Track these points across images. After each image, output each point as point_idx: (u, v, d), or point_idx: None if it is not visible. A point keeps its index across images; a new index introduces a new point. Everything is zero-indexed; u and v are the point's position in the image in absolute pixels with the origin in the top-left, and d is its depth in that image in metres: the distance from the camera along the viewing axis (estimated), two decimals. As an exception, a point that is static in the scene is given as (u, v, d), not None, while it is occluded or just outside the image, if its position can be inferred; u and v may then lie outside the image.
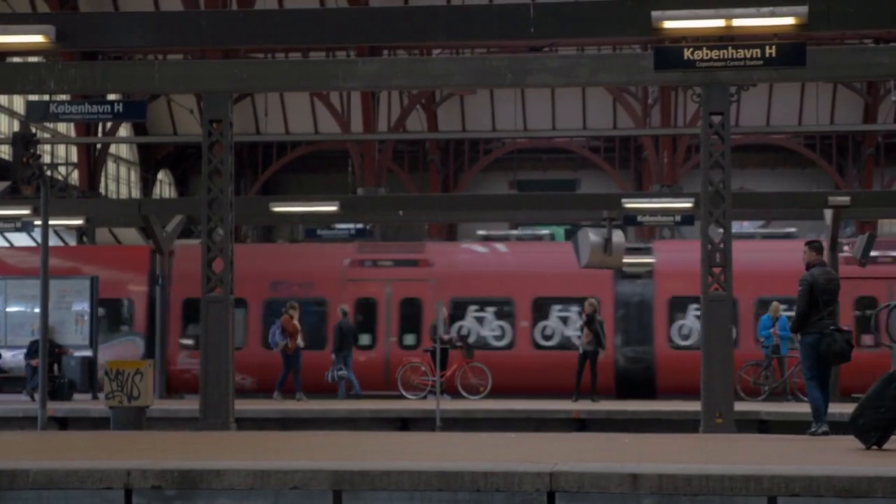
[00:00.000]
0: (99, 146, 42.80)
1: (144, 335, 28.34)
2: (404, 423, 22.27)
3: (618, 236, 25.75)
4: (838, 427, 14.83)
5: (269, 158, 47.98)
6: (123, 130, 45.36)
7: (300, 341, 25.23)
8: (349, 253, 29.32)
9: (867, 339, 25.87)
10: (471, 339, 27.28)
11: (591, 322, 24.59)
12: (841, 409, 14.95)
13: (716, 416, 16.84)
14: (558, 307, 28.02)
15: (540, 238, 30.47)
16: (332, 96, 42.35)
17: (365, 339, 28.23)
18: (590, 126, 46.32)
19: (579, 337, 25.00)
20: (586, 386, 24.54)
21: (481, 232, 30.93)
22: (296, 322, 25.24)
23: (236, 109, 23.32)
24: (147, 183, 49.14)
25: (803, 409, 20.73)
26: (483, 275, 28.58)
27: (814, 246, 15.03)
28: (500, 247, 29.95)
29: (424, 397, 25.47)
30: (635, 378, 27.74)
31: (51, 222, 18.88)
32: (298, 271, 28.74)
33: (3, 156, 37.27)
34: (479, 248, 30.00)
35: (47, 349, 18.86)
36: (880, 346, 23.95)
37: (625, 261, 26.40)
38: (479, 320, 28.28)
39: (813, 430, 14.66)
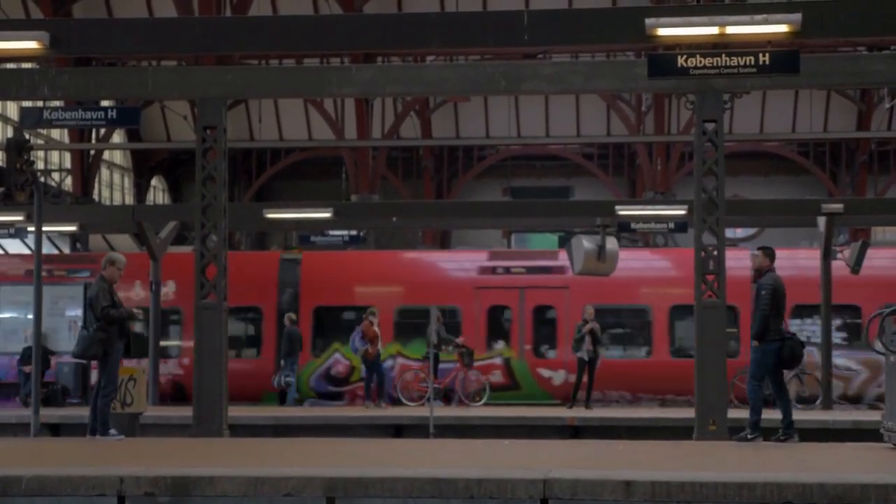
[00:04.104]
0: (92, 152, 42.81)
1: None
2: (398, 430, 22.25)
3: (611, 243, 25.78)
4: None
5: (263, 165, 47.94)
6: (117, 136, 45.28)
7: (381, 347, 25.30)
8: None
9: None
10: None
11: (591, 330, 24.71)
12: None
13: (709, 424, 16.83)
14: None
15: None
16: (326, 103, 42.31)
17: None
18: (583, 133, 46.37)
19: (579, 342, 24.94)
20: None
21: None
22: (376, 328, 25.30)
23: (230, 116, 23.34)
24: (140, 189, 49.10)
25: (797, 415, 20.76)
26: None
27: (768, 252, 15.35)
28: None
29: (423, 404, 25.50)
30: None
31: (44, 228, 18.83)
32: None
33: (-3, 162, 37.22)
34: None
35: (41, 355, 18.78)
36: None
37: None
38: None
39: (750, 436, 15.03)
